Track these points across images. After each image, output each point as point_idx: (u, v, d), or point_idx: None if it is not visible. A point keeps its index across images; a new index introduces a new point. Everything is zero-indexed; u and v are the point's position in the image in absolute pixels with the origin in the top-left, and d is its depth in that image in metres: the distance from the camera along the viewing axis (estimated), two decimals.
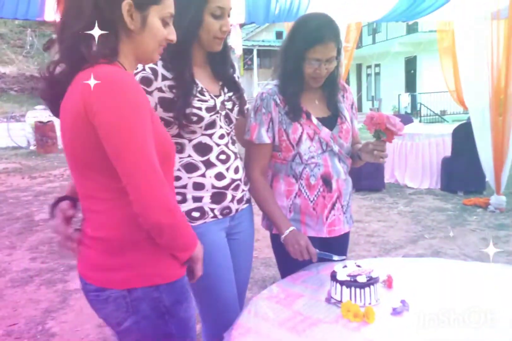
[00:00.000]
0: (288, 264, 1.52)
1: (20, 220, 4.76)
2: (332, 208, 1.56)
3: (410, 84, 17.89)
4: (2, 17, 4.34)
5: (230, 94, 1.46)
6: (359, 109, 22.26)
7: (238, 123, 1.54)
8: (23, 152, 10.48)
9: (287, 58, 1.48)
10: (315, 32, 1.41)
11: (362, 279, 1.23)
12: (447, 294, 1.29)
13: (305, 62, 1.44)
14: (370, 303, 1.22)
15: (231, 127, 1.48)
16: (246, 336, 1.11)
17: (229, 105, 1.45)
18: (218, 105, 1.41)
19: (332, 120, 1.56)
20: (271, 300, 1.29)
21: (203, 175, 1.39)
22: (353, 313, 1.15)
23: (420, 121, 13.31)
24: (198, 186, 1.39)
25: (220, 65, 1.46)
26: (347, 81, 23.28)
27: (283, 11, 7.01)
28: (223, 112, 1.43)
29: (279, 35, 13.35)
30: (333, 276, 1.27)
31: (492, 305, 1.18)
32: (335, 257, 1.47)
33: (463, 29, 4.50)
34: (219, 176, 1.42)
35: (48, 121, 10.25)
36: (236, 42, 9.21)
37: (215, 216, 1.43)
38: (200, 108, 1.35)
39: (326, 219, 1.56)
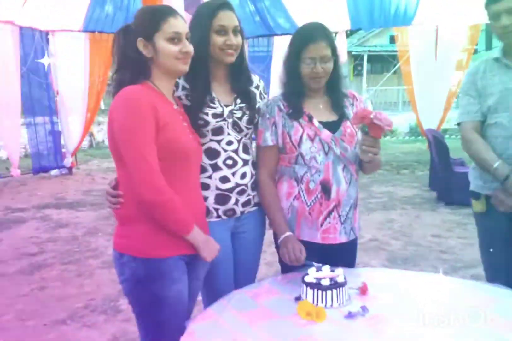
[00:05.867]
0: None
1: None
2: (328, 215, 1.61)
3: None
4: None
5: (242, 105, 1.65)
6: None
7: None
8: None
9: (287, 62, 1.63)
10: (306, 33, 1.58)
11: (325, 282, 1.31)
12: (420, 310, 1.28)
13: (301, 63, 1.57)
14: (332, 305, 1.30)
15: (242, 135, 1.65)
16: (205, 321, 1.27)
17: (238, 114, 1.63)
18: (226, 113, 1.60)
19: (336, 124, 1.64)
20: (248, 294, 1.43)
21: (209, 177, 1.60)
22: (305, 311, 1.24)
23: None
24: (204, 186, 1.59)
25: (237, 80, 1.66)
26: None
27: (390, 15, 6.89)
28: (230, 120, 1.61)
29: (392, 39, 12.92)
30: (302, 278, 1.36)
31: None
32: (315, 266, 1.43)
33: None
34: (224, 179, 1.61)
35: None
36: (341, 49, 9.24)
37: (219, 216, 1.62)
38: (207, 114, 1.57)
39: (321, 225, 1.62)
